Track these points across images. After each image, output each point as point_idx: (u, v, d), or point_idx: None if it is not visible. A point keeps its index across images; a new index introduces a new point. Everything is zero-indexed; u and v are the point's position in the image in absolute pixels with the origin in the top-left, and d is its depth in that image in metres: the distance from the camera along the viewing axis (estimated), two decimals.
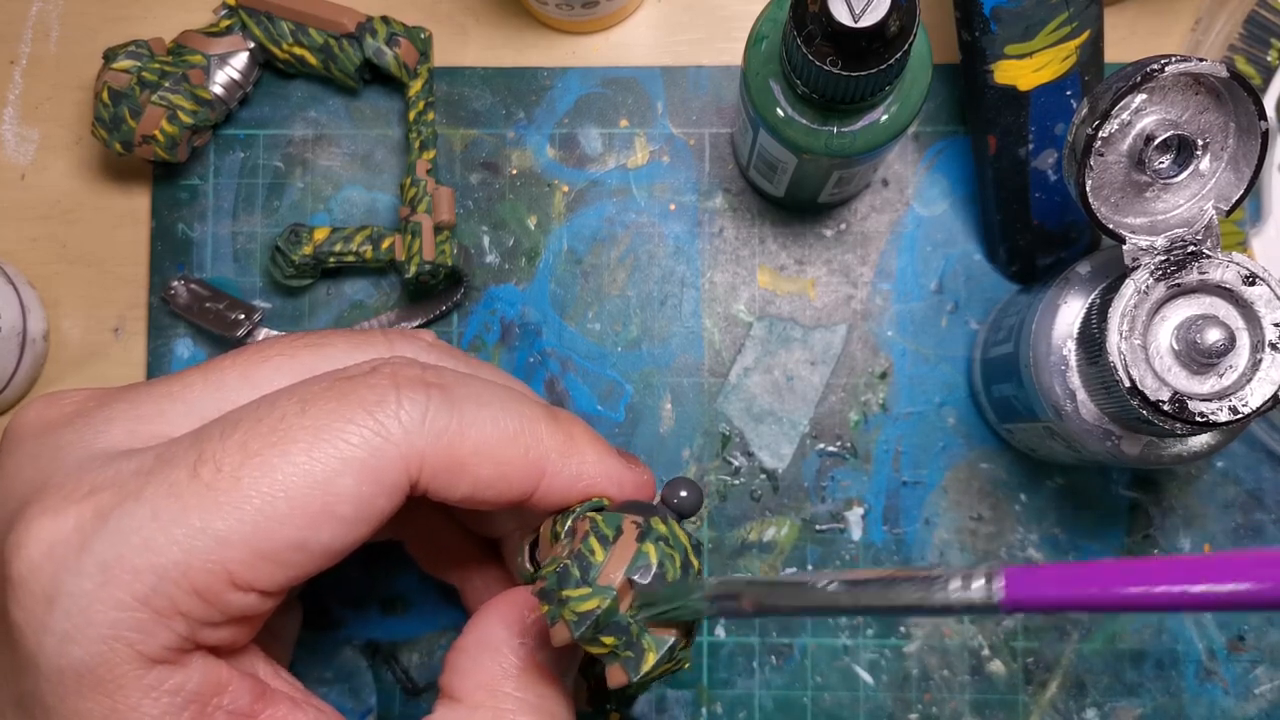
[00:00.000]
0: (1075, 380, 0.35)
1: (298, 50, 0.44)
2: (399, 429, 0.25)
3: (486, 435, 0.26)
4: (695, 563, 0.26)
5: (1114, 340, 0.31)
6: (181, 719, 0.25)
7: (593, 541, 0.26)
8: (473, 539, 0.37)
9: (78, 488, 0.25)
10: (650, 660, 0.25)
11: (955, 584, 0.19)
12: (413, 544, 0.38)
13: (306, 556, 0.25)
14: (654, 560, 0.25)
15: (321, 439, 0.25)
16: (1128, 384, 0.31)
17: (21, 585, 0.24)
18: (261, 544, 0.24)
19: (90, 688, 0.24)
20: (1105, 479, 0.43)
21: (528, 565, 0.30)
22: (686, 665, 0.26)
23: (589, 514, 0.27)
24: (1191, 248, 0.32)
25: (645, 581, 0.25)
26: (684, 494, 0.28)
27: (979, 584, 0.19)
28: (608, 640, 0.25)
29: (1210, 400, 0.31)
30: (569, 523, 0.28)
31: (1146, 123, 0.32)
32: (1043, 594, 0.18)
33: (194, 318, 0.43)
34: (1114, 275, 0.34)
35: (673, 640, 0.25)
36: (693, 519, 0.29)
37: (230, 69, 0.44)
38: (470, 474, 0.26)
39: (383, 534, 0.37)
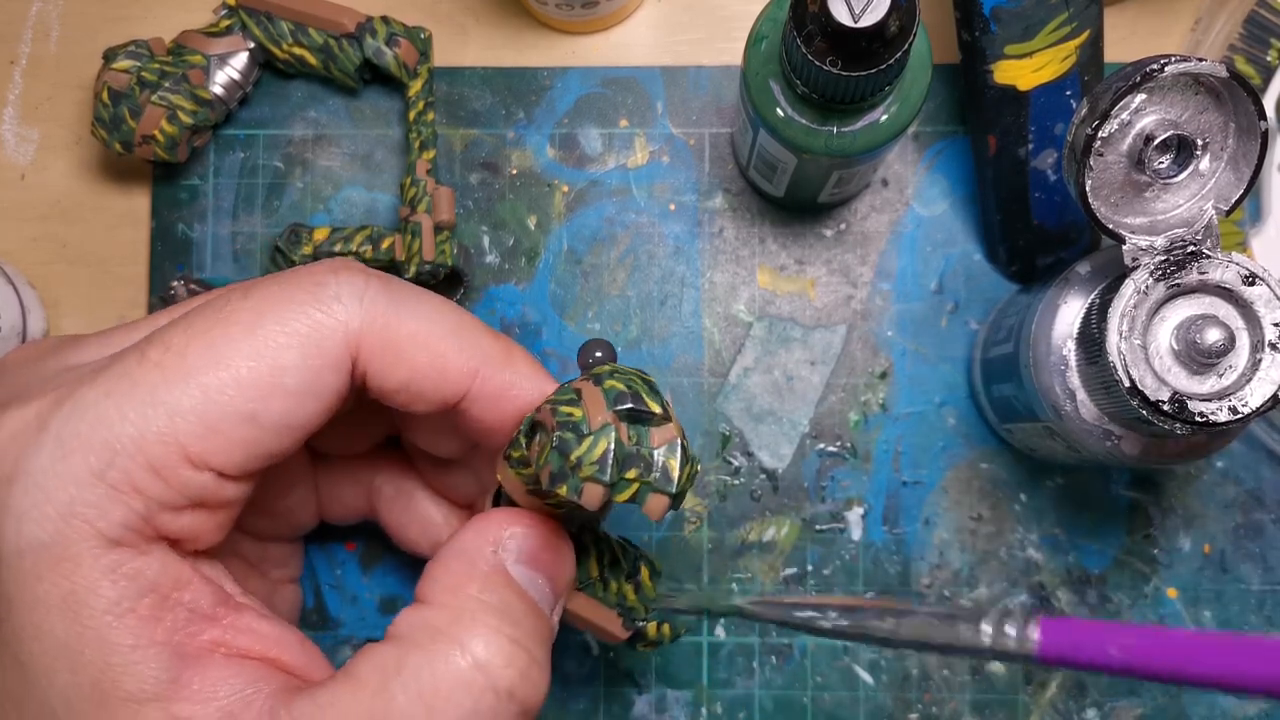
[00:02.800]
0: (1075, 380, 0.35)
1: (298, 50, 0.44)
2: (339, 305, 0.26)
3: (423, 323, 0.28)
4: (651, 378, 0.27)
5: (1114, 340, 0.31)
6: (140, 605, 0.25)
7: (563, 409, 0.27)
8: (445, 511, 0.38)
9: (43, 388, 0.26)
10: (674, 468, 0.26)
11: (987, 629, 0.19)
12: (386, 514, 0.38)
13: (259, 431, 0.26)
14: (623, 388, 0.27)
15: (264, 316, 0.26)
16: (1128, 384, 0.31)
17: None
18: (211, 415, 0.25)
19: (48, 568, 0.24)
20: (1105, 479, 0.43)
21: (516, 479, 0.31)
22: (699, 465, 0.26)
23: (541, 406, 0.28)
24: (1191, 248, 0.32)
25: (628, 406, 0.26)
26: (598, 354, 0.29)
27: (1012, 633, 0.19)
28: (631, 474, 0.26)
29: (1210, 400, 0.31)
30: (527, 427, 0.28)
31: (1146, 123, 0.32)
32: (1078, 653, 0.18)
33: None
34: (1114, 275, 0.34)
35: (679, 440, 0.26)
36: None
37: (230, 69, 0.44)
38: (407, 360, 0.27)
39: (357, 512, 0.38)
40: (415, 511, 0.38)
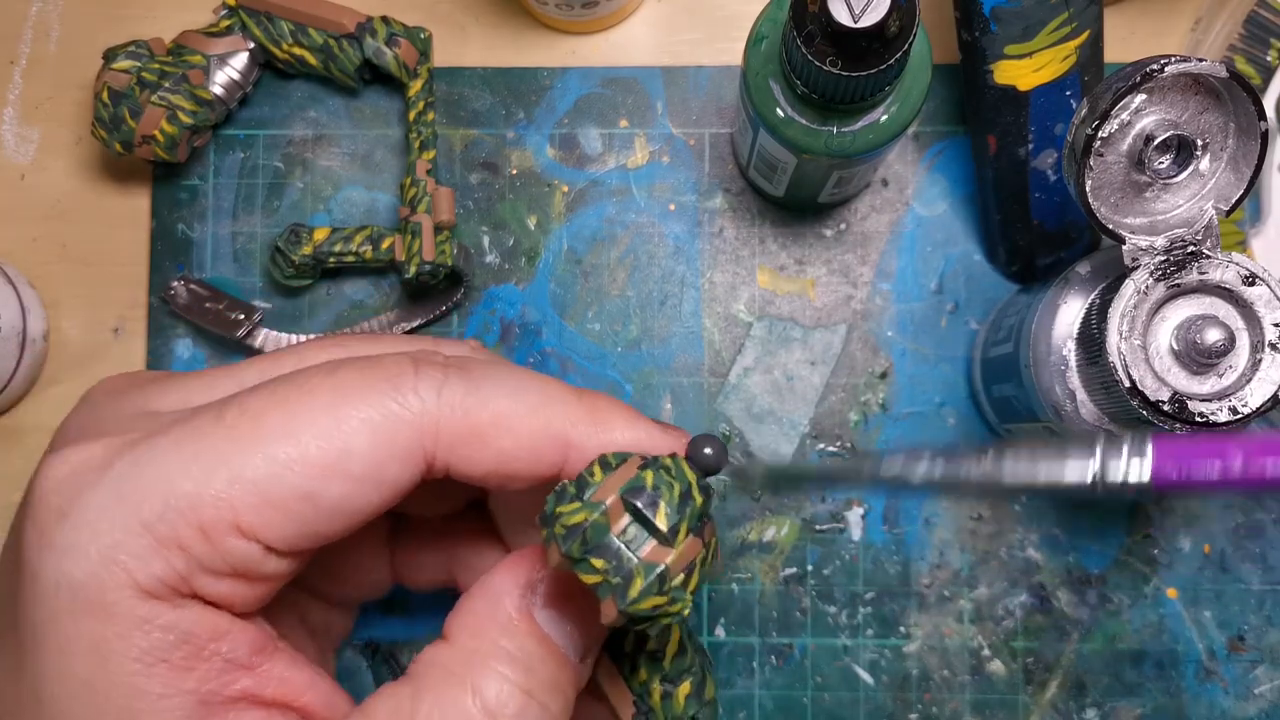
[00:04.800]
0: (1075, 380, 0.35)
1: (298, 50, 0.44)
2: (415, 399, 0.26)
3: (504, 406, 0.27)
4: (698, 499, 0.26)
5: (1114, 340, 0.31)
6: (173, 656, 0.25)
7: (595, 467, 0.26)
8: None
9: (118, 428, 0.26)
10: (638, 586, 0.24)
11: (1094, 460, 0.18)
12: (468, 585, 0.36)
13: (314, 510, 0.25)
14: (650, 484, 0.25)
15: (342, 398, 0.26)
16: (1128, 384, 0.31)
17: (41, 500, 0.25)
18: (270, 488, 0.25)
19: (82, 609, 0.24)
20: None
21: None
22: (685, 610, 0.25)
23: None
24: (1191, 248, 0.32)
25: (635, 503, 0.25)
26: (707, 451, 0.27)
27: (1129, 457, 0.18)
28: (597, 563, 0.24)
29: (1210, 400, 0.31)
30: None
31: (1146, 123, 0.32)
32: (1196, 469, 0.17)
33: (194, 318, 0.43)
34: (1114, 275, 0.34)
35: (663, 568, 0.25)
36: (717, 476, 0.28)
37: (230, 69, 0.44)
38: (492, 446, 0.27)
39: (437, 582, 0.36)
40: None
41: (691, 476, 0.26)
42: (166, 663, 0.24)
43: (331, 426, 0.25)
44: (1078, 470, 0.18)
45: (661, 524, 0.25)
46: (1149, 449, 0.18)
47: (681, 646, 0.30)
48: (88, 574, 0.24)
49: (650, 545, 0.25)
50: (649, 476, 0.25)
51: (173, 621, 0.25)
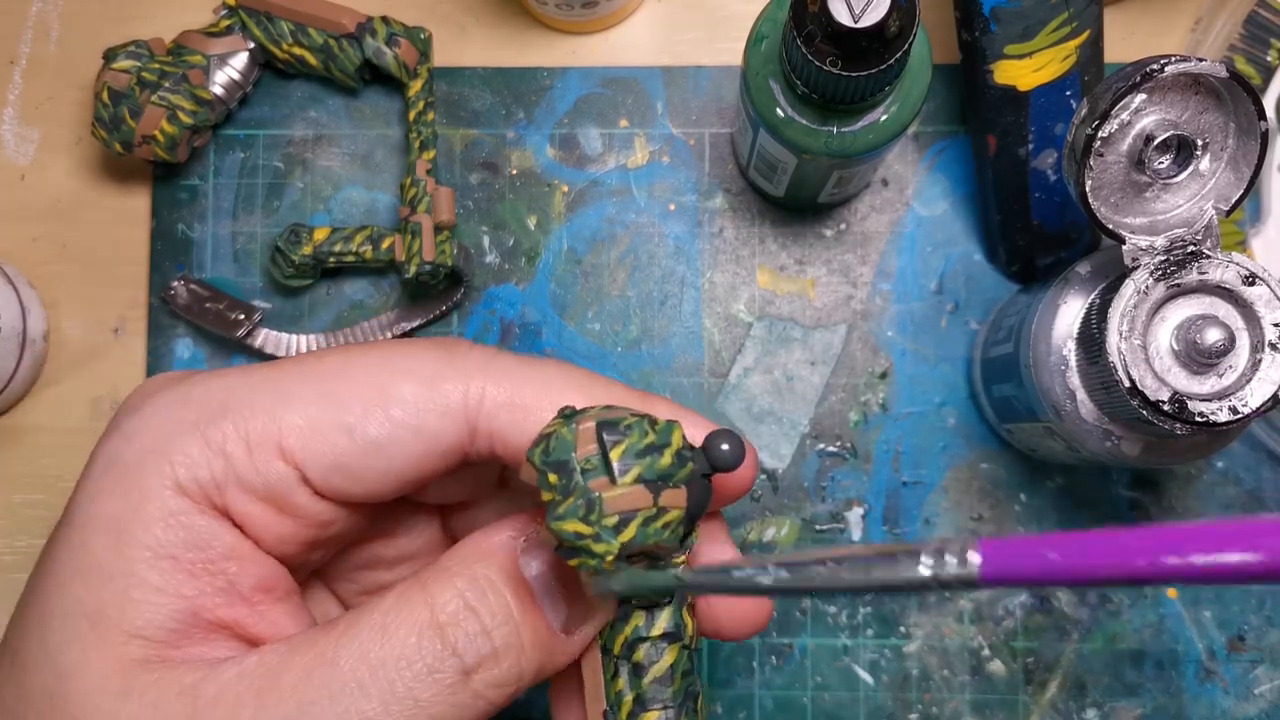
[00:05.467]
0: (1075, 380, 0.35)
1: (298, 50, 0.44)
2: (464, 359, 0.28)
3: (552, 378, 0.28)
4: (667, 460, 0.25)
5: (1114, 340, 0.31)
6: (183, 555, 0.25)
7: (591, 409, 0.26)
8: None
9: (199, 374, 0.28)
10: (567, 505, 0.24)
11: (928, 560, 0.19)
12: None
13: (350, 444, 0.26)
14: (625, 424, 0.25)
15: (398, 351, 0.28)
16: (1128, 384, 0.31)
17: (122, 405, 0.27)
18: (316, 416, 0.26)
19: (119, 489, 0.25)
20: (1105, 479, 0.43)
21: None
22: (609, 556, 0.24)
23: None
24: (1191, 248, 0.32)
25: (605, 434, 0.25)
26: (724, 447, 0.27)
27: (952, 560, 0.19)
28: (553, 478, 0.25)
29: (1210, 400, 0.31)
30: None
31: (1146, 123, 0.32)
32: (1021, 568, 0.18)
33: (194, 318, 0.43)
34: (1114, 275, 0.34)
35: (596, 495, 0.24)
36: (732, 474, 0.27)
37: (230, 69, 0.44)
38: (535, 415, 0.27)
39: None
40: None
41: (677, 442, 0.26)
42: (174, 560, 0.25)
43: (382, 373, 0.27)
44: (907, 570, 0.20)
45: (614, 458, 0.25)
46: (975, 554, 0.19)
47: (669, 675, 0.29)
48: (136, 458, 0.26)
49: (602, 478, 0.25)
50: (629, 419, 0.25)
51: (195, 525, 0.26)
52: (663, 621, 0.28)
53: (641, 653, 0.28)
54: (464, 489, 0.32)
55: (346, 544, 0.31)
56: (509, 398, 0.27)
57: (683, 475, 0.26)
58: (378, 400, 0.27)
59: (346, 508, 0.28)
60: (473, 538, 0.27)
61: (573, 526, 0.24)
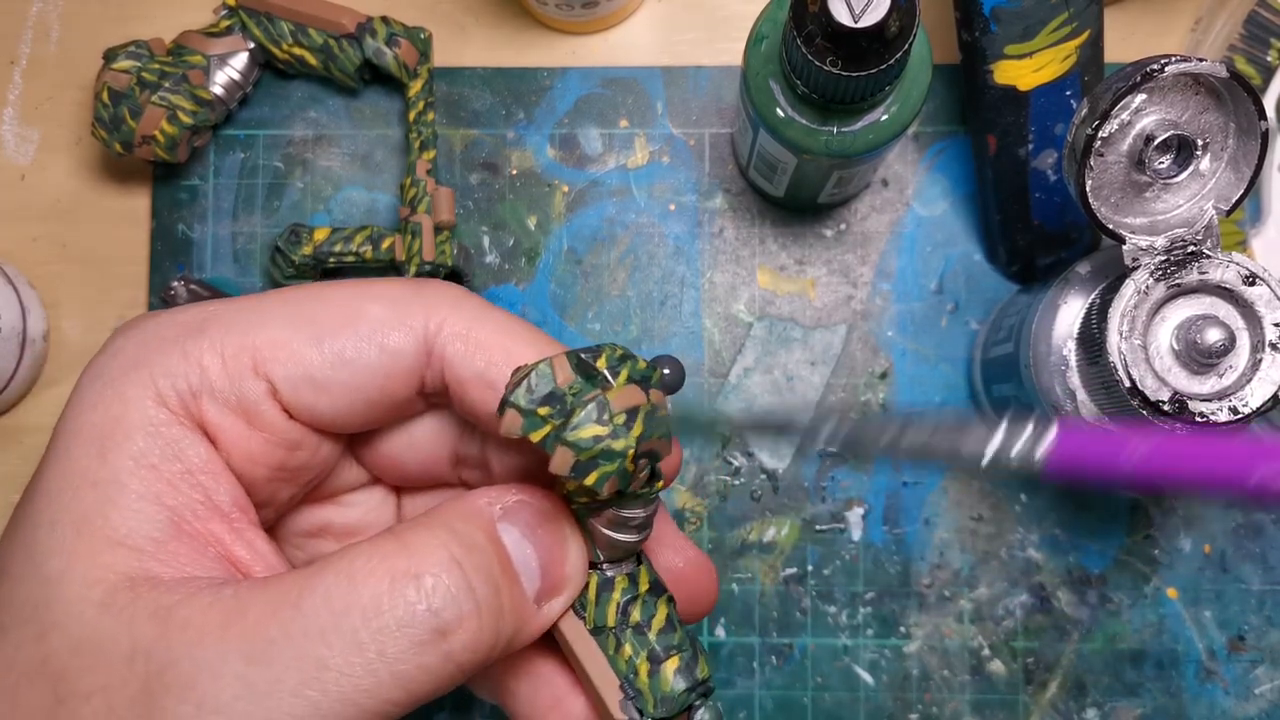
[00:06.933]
0: (1075, 380, 0.35)
1: (298, 50, 0.44)
2: (429, 289, 0.29)
3: (508, 325, 0.29)
4: (641, 361, 0.27)
5: (1114, 340, 0.31)
6: (163, 465, 0.26)
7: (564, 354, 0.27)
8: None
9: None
10: (578, 414, 0.25)
11: (996, 438, 0.18)
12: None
13: (319, 355, 0.28)
14: (590, 347, 0.27)
15: (372, 281, 0.29)
16: (1128, 384, 0.31)
17: (113, 332, 0.28)
18: (290, 332, 0.27)
19: (103, 402, 0.26)
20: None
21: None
22: (630, 453, 0.25)
23: None
24: (1191, 248, 0.32)
25: (580, 354, 0.26)
26: (666, 371, 0.28)
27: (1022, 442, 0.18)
28: (543, 410, 0.25)
29: (1210, 400, 0.31)
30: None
31: (1146, 123, 0.32)
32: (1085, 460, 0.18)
33: None
34: (1114, 275, 0.34)
35: (602, 397, 0.25)
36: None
37: (230, 69, 0.44)
38: (484, 352, 0.29)
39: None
40: None
41: (642, 362, 0.27)
42: (154, 469, 0.26)
43: (355, 298, 0.28)
44: (978, 441, 0.19)
45: (601, 366, 0.26)
46: (1051, 433, 0.19)
47: (670, 623, 0.30)
48: (120, 371, 0.26)
49: (594, 391, 0.26)
50: (589, 348, 0.27)
51: (174, 435, 0.26)
52: (644, 578, 0.29)
53: (638, 612, 0.29)
54: (418, 456, 0.33)
55: (308, 488, 0.31)
56: (465, 330, 0.29)
57: (656, 379, 0.27)
58: (348, 318, 0.28)
59: (315, 434, 0.29)
60: (448, 502, 0.28)
61: (590, 431, 0.25)
